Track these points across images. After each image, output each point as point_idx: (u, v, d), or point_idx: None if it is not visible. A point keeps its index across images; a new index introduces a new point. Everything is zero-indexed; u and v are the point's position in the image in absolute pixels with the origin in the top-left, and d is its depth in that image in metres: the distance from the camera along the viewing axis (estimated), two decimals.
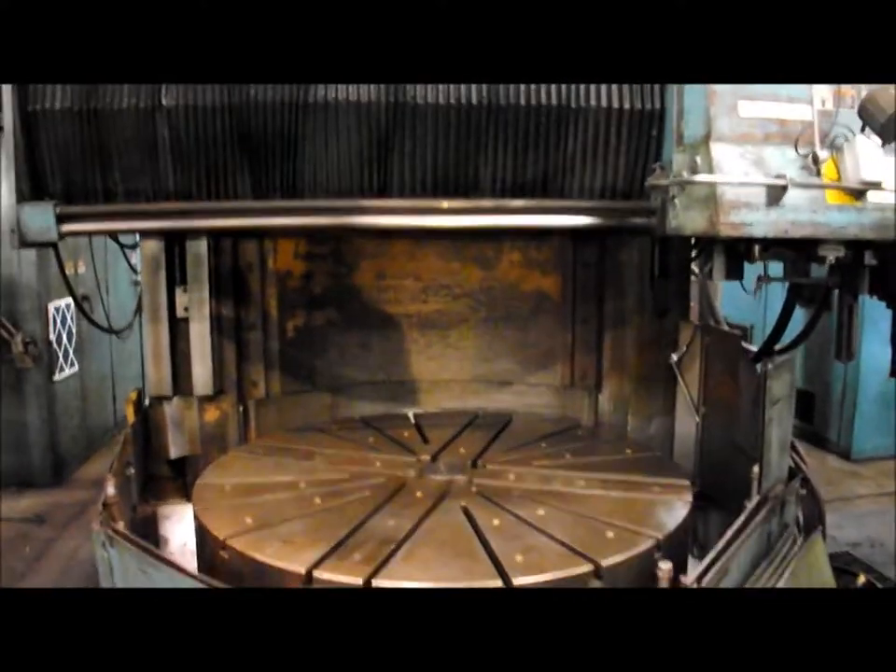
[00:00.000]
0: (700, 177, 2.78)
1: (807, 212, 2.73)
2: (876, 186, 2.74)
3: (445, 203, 3.40)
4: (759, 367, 3.34)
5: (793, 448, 3.61)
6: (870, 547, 5.22)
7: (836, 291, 3.32)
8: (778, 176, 2.68)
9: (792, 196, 2.69)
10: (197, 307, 4.05)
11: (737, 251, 3.00)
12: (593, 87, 3.21)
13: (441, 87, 3.17)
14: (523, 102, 3.17)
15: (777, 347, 3.86)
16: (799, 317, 3.77)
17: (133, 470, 3.54)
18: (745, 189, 2.70)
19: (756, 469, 3.20)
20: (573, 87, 3.20)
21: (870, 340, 6.56)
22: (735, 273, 3.08)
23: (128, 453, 3.63)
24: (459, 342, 4.74)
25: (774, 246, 2.92)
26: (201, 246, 3.99)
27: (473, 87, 3.16)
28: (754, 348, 3.94)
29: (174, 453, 4.15)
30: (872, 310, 6.61)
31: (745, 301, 7.44)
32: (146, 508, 3.94)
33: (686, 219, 2.92)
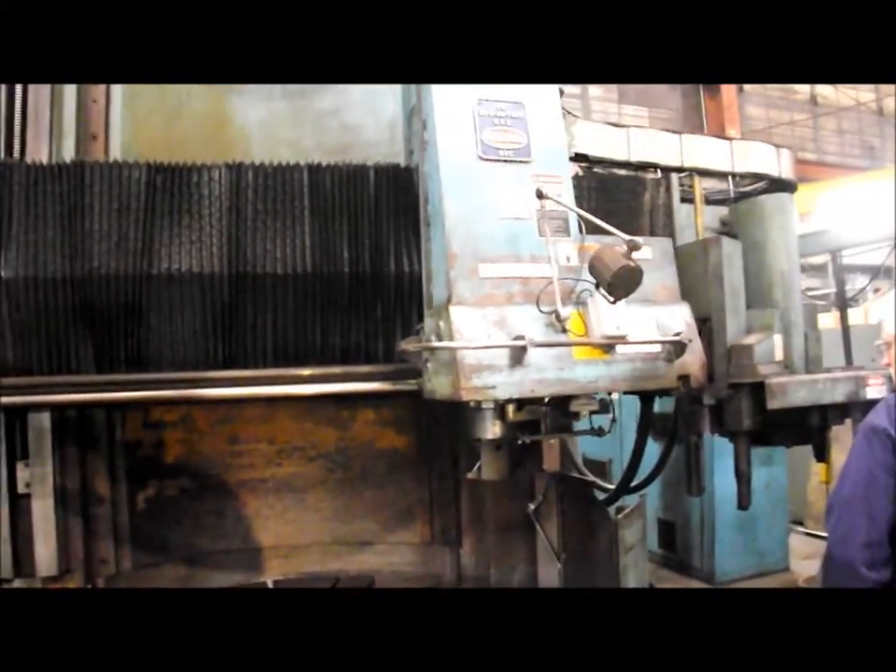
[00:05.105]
0: (438, 344, 2.74)
1: (553, 369, 2.70)
2: (620, 339, 2.77)
3: (290, 372, 3.43)
4: (612, 512, 3.44)
5: None
6: None
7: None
8: (517, 337, 2.64)
9: (536, 355, 2.66)
10: (40, 483, 3.88)
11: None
12: (392, 254, 3.30)
13: (278, 256, 3.26)
14: (346, 269, 3.27)
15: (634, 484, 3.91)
16: (654, 450, 3.79)
17: None
18: (486, 351, 2.64)
19: None
20: (385, 253, 3.30)
21: (722, 469, 6.74)
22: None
23: None
24: (317, 504, 4.67)
25: (527, 405, 2.83)
26: (43, 420, 3.87)
27: (308, 256, 3.26)
28: (611, 486, 4.00)
29: None
30: (721, 440, 6.94)
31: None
32: None
33: (437, 384, 2.85)
